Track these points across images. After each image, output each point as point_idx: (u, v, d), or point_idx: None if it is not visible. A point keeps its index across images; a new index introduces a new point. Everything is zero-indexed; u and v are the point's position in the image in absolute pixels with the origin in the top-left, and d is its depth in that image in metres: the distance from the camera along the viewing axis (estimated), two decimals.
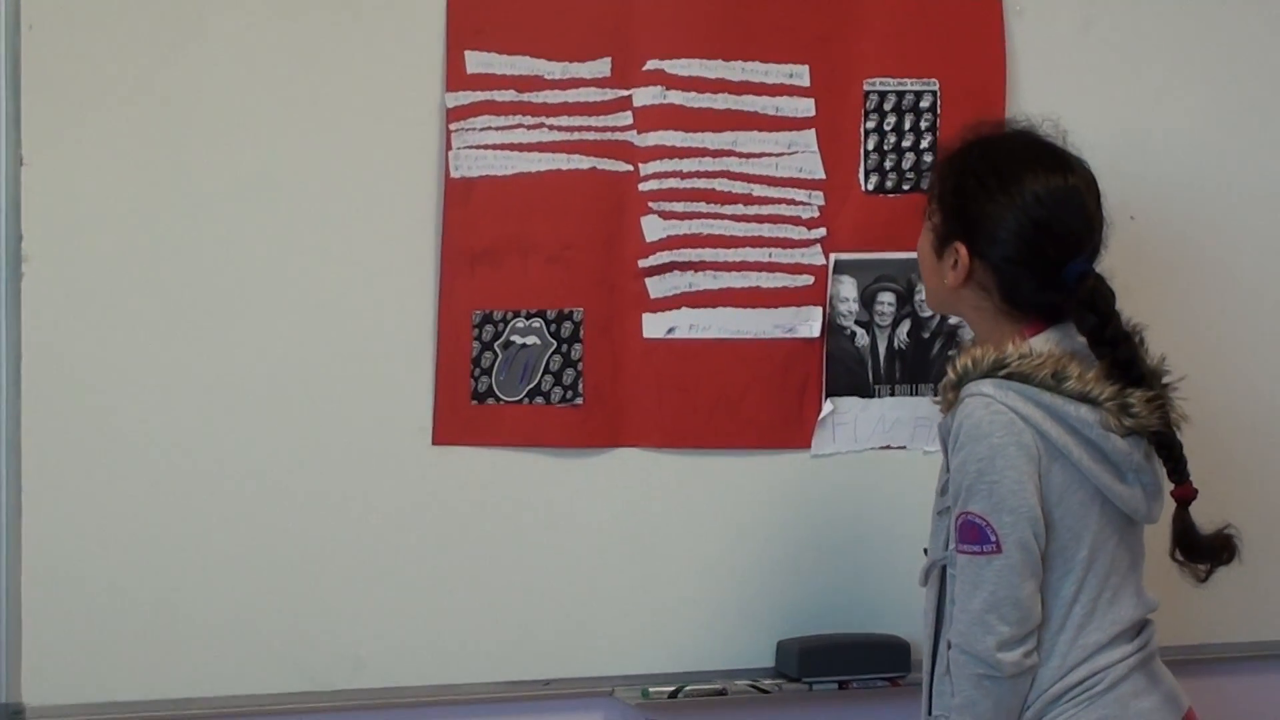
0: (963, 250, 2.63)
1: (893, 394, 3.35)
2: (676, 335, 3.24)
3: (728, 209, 3.25)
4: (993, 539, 2.53)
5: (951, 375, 2.63)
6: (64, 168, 2.96)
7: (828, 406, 3.31)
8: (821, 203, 3.28)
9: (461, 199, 3.12)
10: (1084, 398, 2.55)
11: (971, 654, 2.55)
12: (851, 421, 3.33)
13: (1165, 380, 2.63)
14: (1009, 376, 2.56)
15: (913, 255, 3.16)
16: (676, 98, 3.21)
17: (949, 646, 2.61)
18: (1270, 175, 3.53)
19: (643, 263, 3.22)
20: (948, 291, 2.69)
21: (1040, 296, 2.63)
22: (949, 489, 2.64)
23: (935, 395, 2.79)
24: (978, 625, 2.54)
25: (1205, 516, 2.66)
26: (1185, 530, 2.65)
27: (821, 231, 3.28)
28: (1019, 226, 2.60)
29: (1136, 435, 2.58)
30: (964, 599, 2.57)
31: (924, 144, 3.31)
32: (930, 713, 2.70)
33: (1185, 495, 2.64)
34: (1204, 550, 2.65)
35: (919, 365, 3.34)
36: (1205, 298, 3.47)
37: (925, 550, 2.75)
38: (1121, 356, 2.58)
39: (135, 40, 2.98)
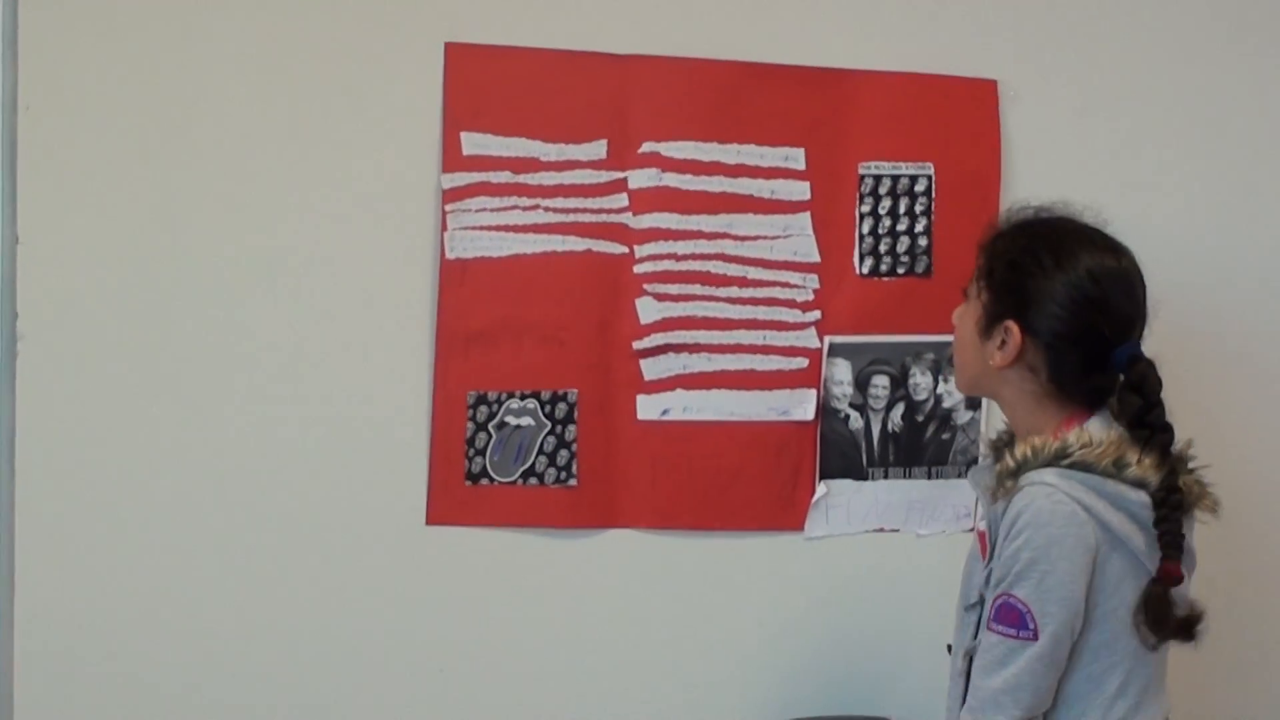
0: (1015, 328, 2.60)
1: (886, 477, 3.34)
2: (671, 417, 3.23)
3: (722, 291, 3.25)
4: (1031, 626, 2.51)
5: (1010, 463, 2.58)
6: (59, 247, 2.98)
7: (821, 489, 3.31)
8: (816, 286, 3.28)
9: (457, 280, 3.13)
10: (1140, 484, 2.54)
11: None
12: (845, 504, 3.33)
13: (1191, 466, 2.62)
14: (1072, 466, 2.54)
15: (907, 338, 3.17)
16: (672, 180, 3.22)
17: None
18: (1267, 256, 3.53)
19: (637, 344, 3.22)
20: (991, 372, 2.66)
21: (1086, 380, 2.61)
22: (992, 576, 2.60)
23: (984, 482, 2.70)
24: (991, 704, 2.53)
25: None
26: (1158, 604, 2.56)
27: (816, 314, 3.29)
28: (1074, 303, 2.57)
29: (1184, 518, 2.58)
30: (982, 676, 2.55)
31: (919, 227, 3.32)
32: None
33: (1169, 573, 2.55)
34: (1173, 628, 2.58)
35: (912, 448, 3.34)
36: (1202, 379, 3.47)
37: (949, 647, 2.74)
38: (1160, 444, 2.57)
39: (132, 123, 3.00)
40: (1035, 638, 2.51)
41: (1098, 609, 2.54)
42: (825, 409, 3.31)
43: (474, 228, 3.14)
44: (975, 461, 3.29)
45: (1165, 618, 2.58)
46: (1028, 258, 2.61)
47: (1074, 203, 2.71)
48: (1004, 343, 2.62)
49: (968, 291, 2.72)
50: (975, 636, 2.63)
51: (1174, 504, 2.55)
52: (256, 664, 3.10)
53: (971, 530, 2.90)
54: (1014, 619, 2.52)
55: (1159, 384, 2.59)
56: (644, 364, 3.23)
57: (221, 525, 3.07)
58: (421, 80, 3.12)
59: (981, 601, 2.63)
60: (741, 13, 3.24)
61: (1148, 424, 2.57)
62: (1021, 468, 2.57)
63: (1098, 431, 2.57)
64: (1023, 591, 2.51)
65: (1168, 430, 2.58)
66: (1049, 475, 2.53)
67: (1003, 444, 2.76)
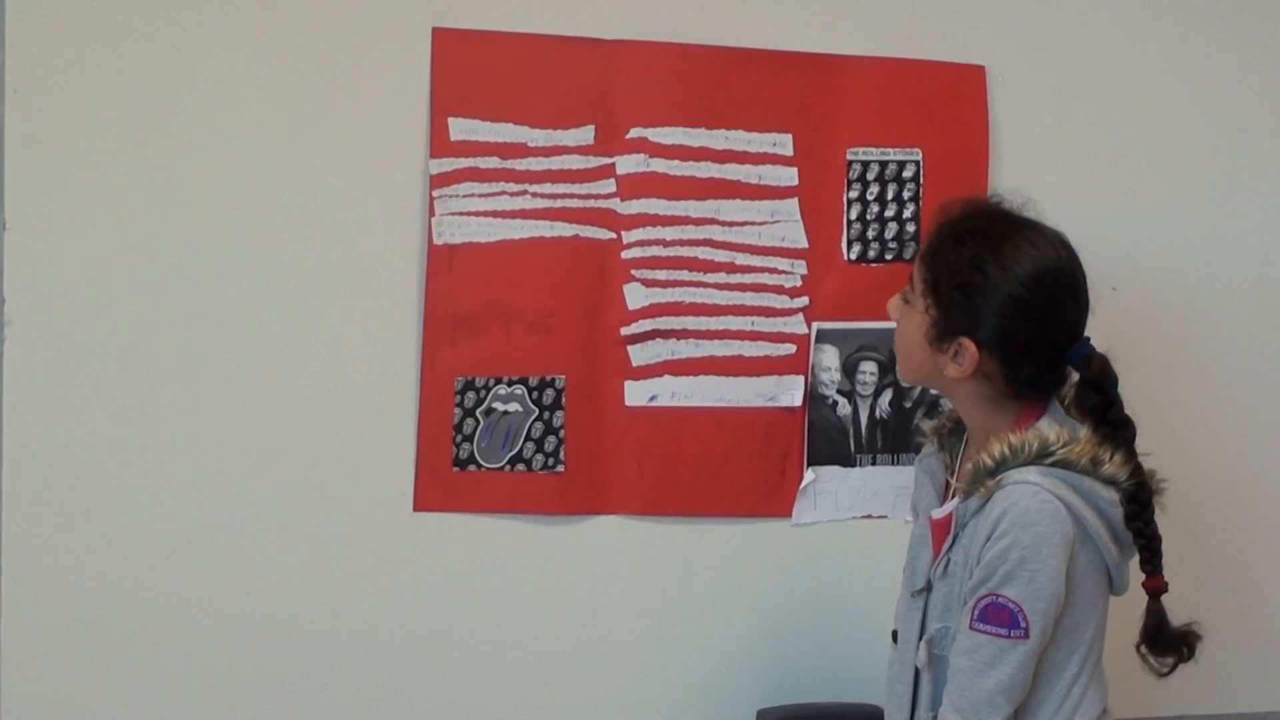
0: (971, 346, 2.60)
1: (874, 463, 3.34)
2: (658, 403, 3.23)
3: (710, 277, 3.25)
4: (1023, 625, 2.52)
5: (989, 462, 2.59)
6: (47, 233, 2.96)
7: (809, 475, 3.31)
8: (804, 272, 3.28)
9: (444, 265, 3.12)
10: (1112, 481, 2.57)
11: None
12: (833, 490, 3.33)
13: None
14: (1054, 464, 2.56)
15: (895, 324, 3.17)
16: (660, 165, 3.21)
17: None
18: (1256, 241, 3.53)
19: (625, 330, 3.22)
20: (946, 381, 2.68)
21: (1041, 380, 2.64)
22: (955, 570, 2.63)
23: (934, 469, 2.81)
24: (986, 704, 2.54)
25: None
26: (1159, 623, 2.65)
27: (804, 300, 3.28)
28: (1027, 318, 2.59)
29: None
30: (973, 677, 2.56)
31: (906, 213, 3.32)
32: None
33: (1157, 587, 2.63)
34: (1172, 644, 2.64)
35: (901, 435, 3.34)
36: (1186, 368, 3.47)
37: (894, 635, 2.77)
38: (1125, 440, 2.59)
39: (119, 107, 2.98)
40: (1027, 635, 2.53)
41: (1066, 598, 2.57)
42: (813, 395, 3.31)
43: (462, 213, 3.13)
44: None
45: (1163, 634, 2.64)
46: (976, 276, 2.60)
47: (1002, 193, 2.73)
48: (957, 354, 2.63)
49: (907, 295, 2.72)
50: (923, 627, 2.67)
51: (1144, 500, 2.59)
52: (243, 652, 3.09)
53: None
54: (1004, 619, 2.53)
55: (1115, 379, 2.62)
56: (632, 350, 3.22)
57: (208, 512, 3.06)
58: (409, 66, 3.11)
59: (929, 588, 2.67)
60: None
61: (1109, 421, 2.60)
62: (1000, 466, 2.58)
63: (1063, 426, 2.60)
64: (1013, 591, 2.53)
65: (1129, 425, 2.62)
66: (1032, 474, 2.55)
67: (945, 431, 2.82)
